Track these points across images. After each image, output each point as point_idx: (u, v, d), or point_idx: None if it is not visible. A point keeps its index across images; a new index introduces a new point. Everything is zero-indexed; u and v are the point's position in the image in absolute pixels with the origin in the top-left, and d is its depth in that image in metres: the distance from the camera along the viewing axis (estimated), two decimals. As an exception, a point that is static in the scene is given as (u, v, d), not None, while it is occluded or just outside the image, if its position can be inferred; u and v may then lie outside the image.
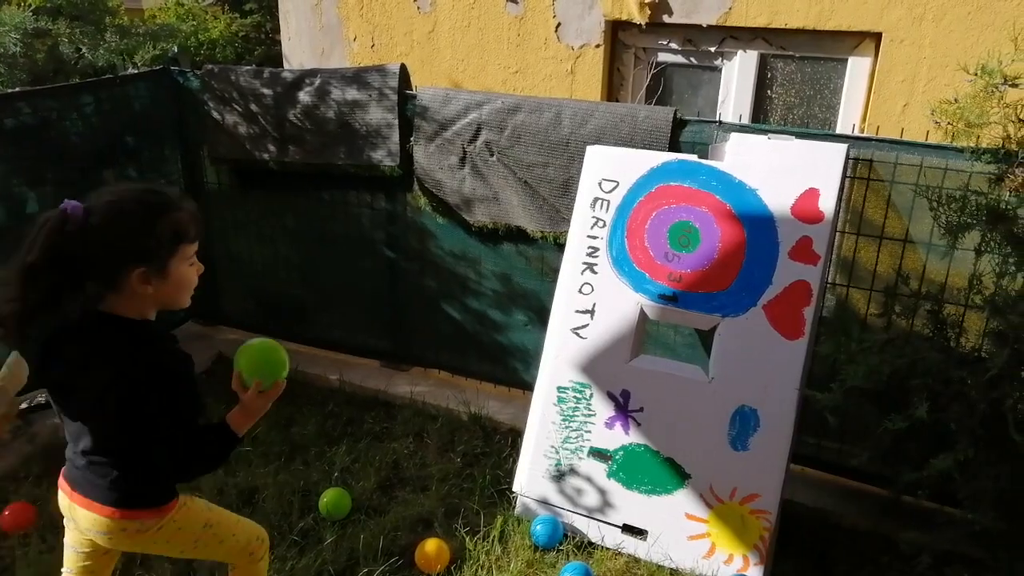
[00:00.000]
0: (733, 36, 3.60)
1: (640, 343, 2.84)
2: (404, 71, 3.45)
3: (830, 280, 2.91)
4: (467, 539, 2.79)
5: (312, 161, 3.67)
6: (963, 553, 2.58)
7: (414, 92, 3.45)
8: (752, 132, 2.83)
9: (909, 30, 3.19)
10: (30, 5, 4.13)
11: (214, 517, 1.96)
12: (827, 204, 2.60)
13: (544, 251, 3.39)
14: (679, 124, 3.00)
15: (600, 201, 2.88)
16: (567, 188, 3.17)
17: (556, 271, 3.00)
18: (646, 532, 2.74)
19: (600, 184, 2.89)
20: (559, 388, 2.85)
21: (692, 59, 3.76)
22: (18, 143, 3.40)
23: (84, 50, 4.25)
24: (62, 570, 1.98)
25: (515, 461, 3.05)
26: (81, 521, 1.83)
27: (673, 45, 3.75)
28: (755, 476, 2.61)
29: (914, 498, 2.69)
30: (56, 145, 3.54)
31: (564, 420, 2.84)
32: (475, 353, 3.74)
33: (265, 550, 2.08)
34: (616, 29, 3.81)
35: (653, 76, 3.82)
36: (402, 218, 3.68)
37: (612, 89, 3.91)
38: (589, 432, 2.81)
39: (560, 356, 2.86)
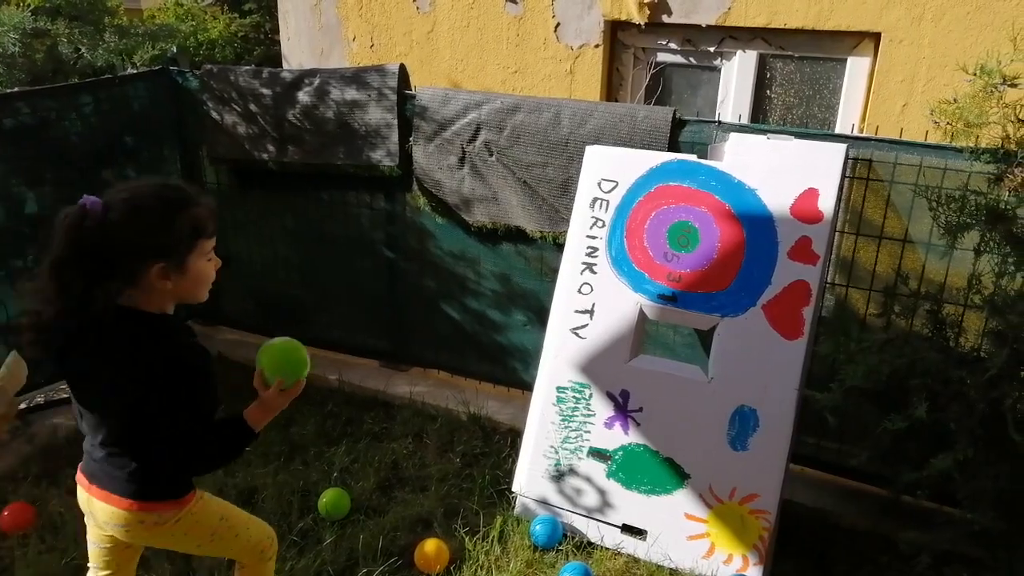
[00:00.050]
0: (732, 36, 3.60)
1: (639, 343, 2.84)
2: (403, 71, 3.45)
3: (829, 280, 2.91)
4: (466, 539, 2.79)
5: (311, 161, 3.67)
6: (962, 553, 2.58)
7: (413, 92, 3.45)
8: (751, 132, 2.83)
9: (908, 30, 3.19)
10: (29, 5, 4.13)
11: (228, 511, 1.98)
12: (826, 204, 2.60)
13: (543, 251, 3.39)
14: (678, 124, 3.00)
15: (599, 201, 2.88)
16: (566, 188, 3.17)
17: (555, 271, 3.00)
18: (645, 532, 2.74)
19: (599, 184, 2.89)
20: (558, 388, 2.85)
21: (691, 59, 3.76)
22: (17, 143, 3.40)
23: (83, 50, 4.25)
24: (89, 566, 2.01)
25: (514, 461, 3.05)
26: (99, 514, 1.85)
27: (672, 45, 3.75)
28: (754, 476, 2.61)
29: (913, 498, 2.69)
30: (55, 145, 3.54)
31: (563, 420, 2.84)
32: (474, 353, 3.74)
33: (274, 551, 2.09)
34: (615, 29, 3.81)
35: (652, 76, 3.82)
36: (401, 218, 3.68)
37: (611, 89, 3.91)
38: (588, 432, 2.80)
39: (559, 356, 2.86)
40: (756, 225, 2.66)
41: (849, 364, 2.64)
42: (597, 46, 3.76)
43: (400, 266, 3.77)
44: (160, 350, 1.68)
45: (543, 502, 2.89)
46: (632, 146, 2.99)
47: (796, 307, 2.60)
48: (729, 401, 2.63)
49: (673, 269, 2.74)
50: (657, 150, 2.95)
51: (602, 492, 2.80)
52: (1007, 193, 2.44)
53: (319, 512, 2.90)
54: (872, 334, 2.75)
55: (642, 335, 2.87)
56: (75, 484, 3.09)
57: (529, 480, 2.90)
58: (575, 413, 2.82)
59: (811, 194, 2.62)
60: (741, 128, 2.91)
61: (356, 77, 3.47)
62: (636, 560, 2.75)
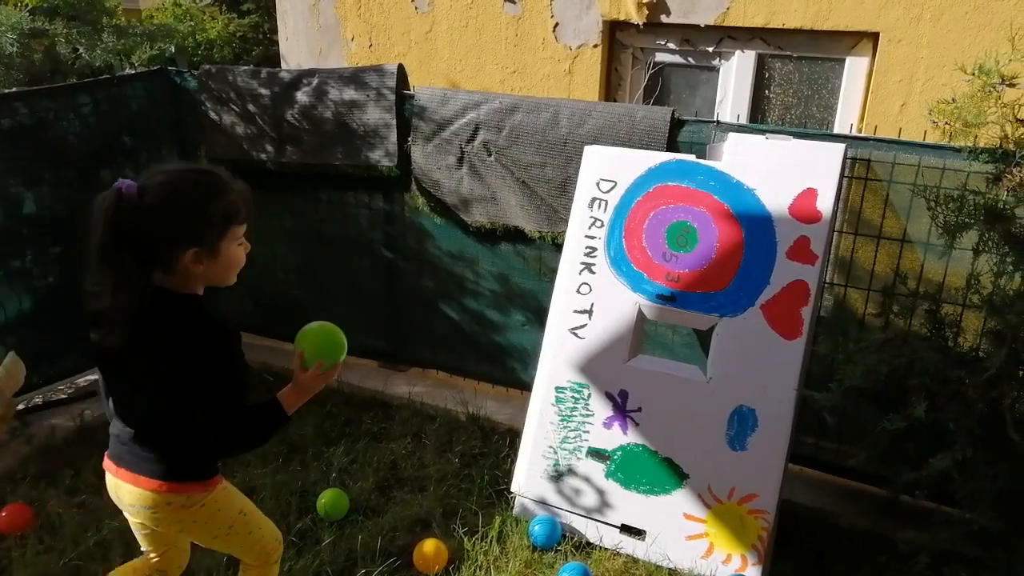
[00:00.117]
0: (731, 36, 3.60)
1: (638, 343, 2.84)
2: (402, 71, 3.45)
3: (828, 280, 2.91)
4: (465, 539, 2.79)
5: (310, 161, 3.66)
6: (961, 552, 2.58)
7: (412, 92, 3.45)
8: (750, 132, 2.83)
9: (907, 30, 3.19)
10: (27, 5, 4.12)
11: (248, 507, 2.00)
12: (825, 204, 2.60)
13: (542, 251, 3.39)
14: (677, 124, 3.00)
15: (598, 201, 2.88)
16: (565, 188, 3.17)
17: (554, 271, 3.00)
18: (644, 532, 2.74)
19: (598, 184, 2.89)
20: (557, 388, 2.85)
21: (690, 59, 3.76)
22: (15, 143, 3.39)
23: (81, 50, 4.24)
24: (143, 549, 2.04)
25: (513, 461, 3.05)
26: (125, 497, 1.85)
27: (671, 45, 3.74)
28: (753, 476, 2.61)
29: (912, 498, 2.69)
30: (53, 145, 3.53)
31: (562, 420, 2.84)
32: (473, 353, 3.74)
33: (280, 554, 2.10)
34: (614, 29, 3.81)
35: (651, 76, 3.82)
36: (400, 218, 3.68)
37: (610, 89, 3.91)
38: (587, 432, 2.80)
39: (558, 356, 2.86)
40: (755, 225, 2.66)
41: (848, 364, 2.65)
42: (596, 46, 3.76)
43: (399, 266, 3.77)
44: (194, 331, 1.71)
45: (542, 502, 2.89)
46: (631, 146, 2.99)
47: (795, 307, 2.60)
48: (728, 401, 2.63)
49: (672, 269, 2.74)
50: (656, 150, 2.95)
51: (601, 492, 2.79)
52: (1005, 193, 2.44)
53: (318, 512, 2.90)
54: (871, 334, 2.75)
55: (641, 335, 2.87)
56: (73, 485, 3.11)
57: (528, 480, 2.90)
58: (574, 413, 2.82)
59: (810, 194, 2.62)
60: (740, 128, 2.91)
61: (354, 77, 3.47)
62: (635, 560, 2.75)
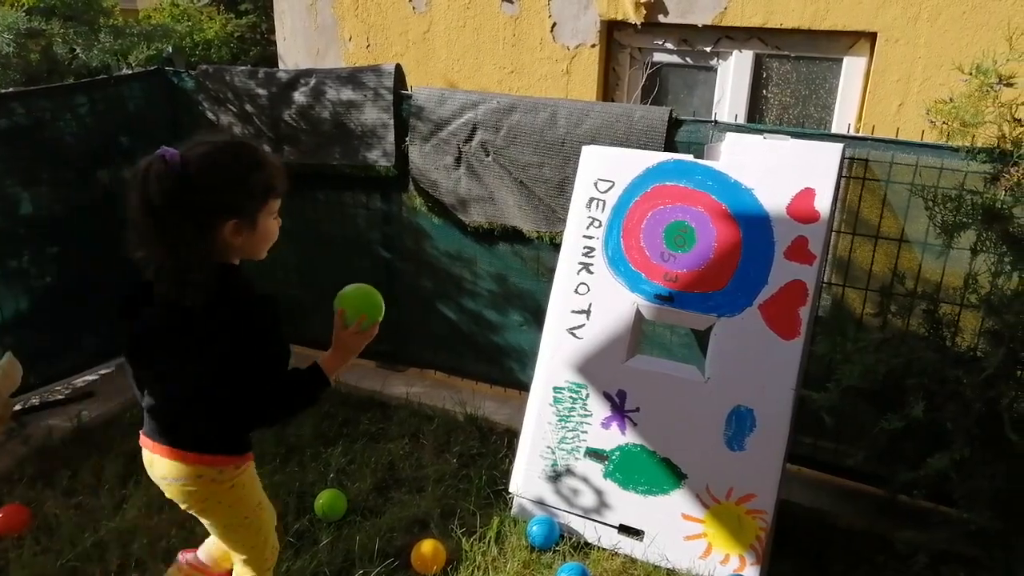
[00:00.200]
0: (728, 36, 3.60)
1: (636, 343, 2.84)
2: (399, 71, 3.44)
3: (826, 280, 2.91)
4: (463, 540, 2.79)
5: (307, 161, 3.66)
6: (959, 552, 2.58)
7: (409, 92, 3.44)
8: (748, 132, 2.83)
9: (904, 30, 3.19)
10: (23, 5, 4.12)
11: (265, 503, 2.03)
12: (823, 204, 2.60)
13: (540, 251, 3.38)
14: (675, 124, 3.00)
15: (596, 201, 2.87)
16: (563, 188, 3.17)
17: (552, 271, 2.99)
18: (642, 532, 2.74)
19: (596, 184, 2.89)
20: (555, 388, 2.85)
21: (688, 59, 3.76)
22: (12, 144, 3.39)
23: (78, 50, 4.24)
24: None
25: (511, 462, 3.04)
26: (158, 470, 1.88)
27: (669, 45, 3.74)
28: (751, 476, 2.61)
29: (910, 498, 2.69)
30: (50, 145, 3.53)
31: (560, 420, 2.84)
32: (471, 353, 3.74)
33: (273, 564, 2.11)
34: (612, 29, 3.81)
35: (649, 76, 3.82)
36: (398, 218, 3.68)
37: (608, 89, 3.91)
38: (585, 432, 2.80)
39: (556, 356, 2.85)
40: (753, 225, 2.66)
41: (846, 364, 2.64)
42: (593, 46, 3.76)
43: (396, 266, 3.77)
44: (237, 299, 1.73)
45: (540, 503, 2.88)
46: (628, 146, 2.99)
47: (793, 307, 2.60)
48: (726, 401, 2.63)
49: (670, 269, 2.74)
50: (653, 150, 2.95)
51: (599, 492, 2.79)
52: (1003, 192, 2.44)
53: (315, 513, 2.89)
54: (868, 334, 2.75)
55: (639, 335, 2.87)
56: (70, 486, 3.11)
57: (526, 480, 2.90)
58: (572, 413, 2.82)
59: (807, 194, 2.62)
60: (737, 128, 2.91)
61: (352, 77, 3.47)
62: (633, 560, 2.74)
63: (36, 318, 3.59)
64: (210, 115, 3.78)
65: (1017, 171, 2.39)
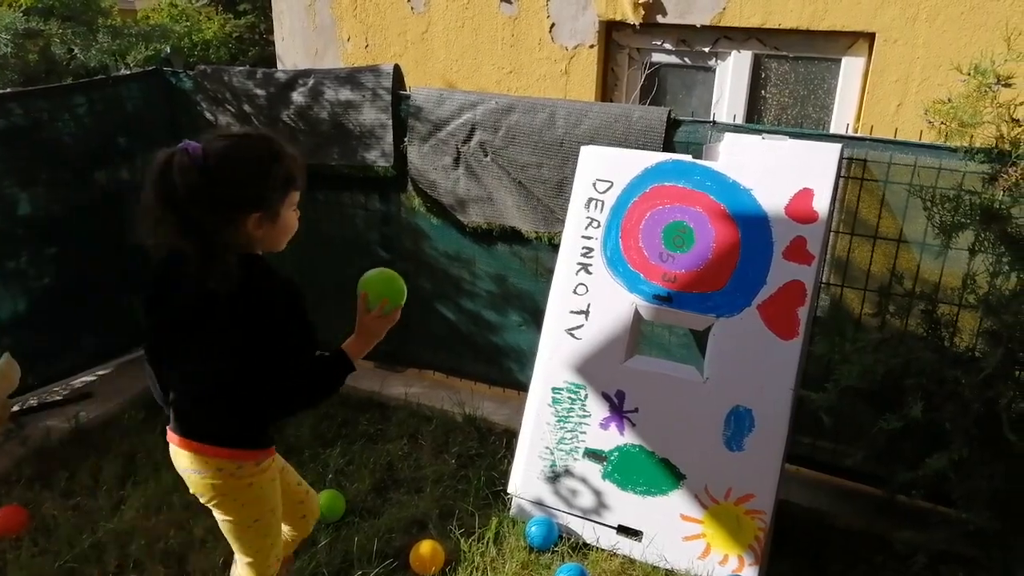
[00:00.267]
0: (727, 36, 3.60)
1: (635, 344, 2.84)
2: (398, 71, 3.44)
3: (824, 280, 2.91)
4: (462, 541, 2.79)
5: (306, 162, 3.64)
6: (958, 552, 2.58)
7: (408, 92, 3.44)
8: (746, 132, 2.83)
9: (903, 30, 3.19)
10: (21, 5, 4.11)
11: (279, 509, 2.03)
12: (821, 204, 2.60)
13: (539, 252, 3.38)
14: (673, 124, 3.00)
15: (594, 201, 2.87)
16: (561, 188, 3.17)
17: (551, 272, 2.99)
18: (641, 533, 2.74)
19: (594, 184, 2.89)
20: (554, 389, 2.85)
21: (686, 59, 3.76)
22: (10, 144, 3.39)
23: (76, 51, 4.23)
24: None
25: (510, 462, 3.04)
26: (181, 462, 1.89)
27: (667, 45, 3.75)
28: (750, 476, 2.60)
29: (909, 498, 2.69)
30: (48, 146, 3.53)
31: (559, 421, 2.84)
32: (470, 354, 3.73)
33: (276, 571, 2.11)
34: (610, 29, 3.81)
35: (647, 76, 3.82)
36: (396, 219, 3.67)
37: (606, 89, 3.91)
38: (584, 433, 2.80)
39: (555, 357, 2.85)
40: (751, 225, 2.66)
41: (844, 364, 2.64)
42: (592, 46, 3.76)
43: (395, 267, 3.70)
44: (259, 287, 1.73)
45: (539, 503, 2.88)
46: (627, 146, 2.99)
47: (791, 307, 2.60)
48: (724, 401, 2.63)
49: (668, 269, 2.74)
50: (652, 150, 2.95)
51: (598, 493, 2.79)
52: (1001, 193, 2.44)
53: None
54: (867, 334, 2.75)
55: (637, 335, 2.87)
56: (68, 487, 3.11)
57: (525, 481, 2.89)
58: (571, 414, 2.82)
59: (806, 194, 2.62)
60: (736, 128, 2.91)
61: (350, 77, 3.46)
62: (632, 561, 2.74)
63: (34, 319, 3.58)
64: (208, 116, 3.77)
65: (1015, 171, 2.39)
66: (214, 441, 1.85)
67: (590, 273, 2.84)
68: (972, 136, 2.42)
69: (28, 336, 3.54)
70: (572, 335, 2.83)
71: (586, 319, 2.82)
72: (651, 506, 2.72)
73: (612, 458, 2.77)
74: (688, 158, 2.80)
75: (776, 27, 3.40)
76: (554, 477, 2.85)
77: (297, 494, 2.20)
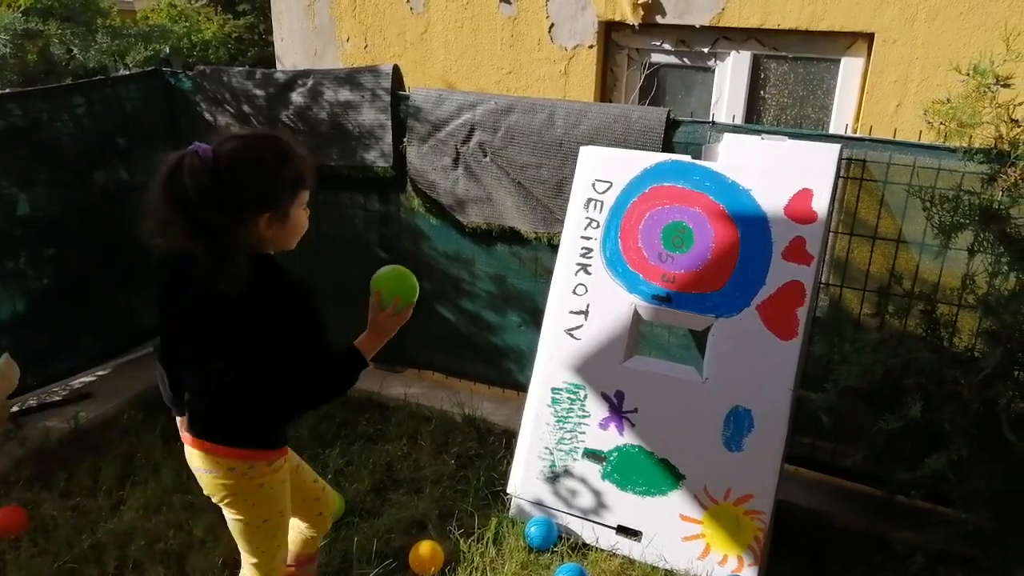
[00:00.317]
0: (726, 37, 3.61)
1: (634, 344, 2.84)
2: (397, 72, 3.44)
3: (823, 280, 2.91)
4: (461, 541, 2.79)
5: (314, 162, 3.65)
6: (957, 552, 2.58)
7: (407, 93, 3.44)
8: (745, 133, 2.83)
9: (902, 31, 3.19)
10: (20, 6, 4.11)
11: (287, 512, 2.04)
12: (820, 204, 2.60)
13: (538, 252, 3.38)
14: (672, 125, 3.00)
15: (593, 202, 2.87)
16: (560, 189, 3.17)
17: (550, 272, 2.99)
18: (640, 533, 2.74)
19: (593, 185, 2.89)
20: (553, 389, 2.85)
21: (685, 60, 3.76)
22: (9, 144, 3.38)
23: (75, 51, 4.23)
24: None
25: (509, 462, 3.04)
26: (193, 461, 1.91)
27: (666, 46, 3.75)
28: (749, 477, 2.61)
29: (908, 498, 2.69)
30: (47, 146, 3.52)
31: (558, 421, 2.84)
32: (469, 354, 3.73)
33: (280, 573, 2.11)
34: (609, 30, 3.81)
35: (646, 77, 3.82)
36: (395, 219, 3.67)
37: (605, 90, 3.91)
38: (583, 433, 2.80)
39: (554, 357, 2.85)
40: (750, 225, 2.66)
41: (843, 364, 2.65)
42: (591, 47, 3.76)
43: (394, 267, 3.76)
44: (271, 287, 1.75)
45: (538, 503, 2.88)
46: (626, 147, 2.99)
47: (790, 307, 2.60)
48: (724, 402, 2.63)
49: (667, 270, 2.74)
50: (651, 151, 2.95)
51: (597, 493, 2.79)
52: (1000, 193, 2.44)
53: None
54: (866, 334, 2.75)
55: (637, 336, 2.87)
56: (67, 487, 3.11)
57: (524, 481, 2.89)
58: (570, 414, 2.82)
59: (805, 194, 2.62)
60: (735, 129, 2.91)
61: (350, 78, 3.46)
62: (631, 561, 2.74)
63: (33, 319, 3.58)
64: (207, 116, 3.77)
65: (1014, 172, 2.39)
66: (226, 441, 1.86)
67: (589, 273, 2.84)
68: (971, 136, 2.42)
69: (27, 337, 3.54)
70: (571, 335, 2.83)
71: (585, 319, 2.82)
72: (650, 506, 2.72)
73: (611, 458, 2.77)
74: (687, 158, 2.80)
75: (775, 27, 3.40)
76: (553, 477, 2.85)
77: (313, 491, 2.22)
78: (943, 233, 2.56)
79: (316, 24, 4.36)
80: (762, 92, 3.69)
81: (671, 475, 2.69)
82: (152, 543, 2.74)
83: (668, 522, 2.70)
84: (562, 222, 3.01)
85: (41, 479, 3.08)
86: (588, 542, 2.81)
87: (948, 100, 2.45)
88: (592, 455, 2.79)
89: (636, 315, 2.77)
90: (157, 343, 1.98)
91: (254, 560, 2.04)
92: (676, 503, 2.69)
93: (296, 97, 3.56)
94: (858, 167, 2.79)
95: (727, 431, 2.63)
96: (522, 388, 3.26)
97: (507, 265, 3.49)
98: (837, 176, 2.66)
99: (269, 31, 6.65)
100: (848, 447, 2.84)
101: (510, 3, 3.83)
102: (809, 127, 3.61)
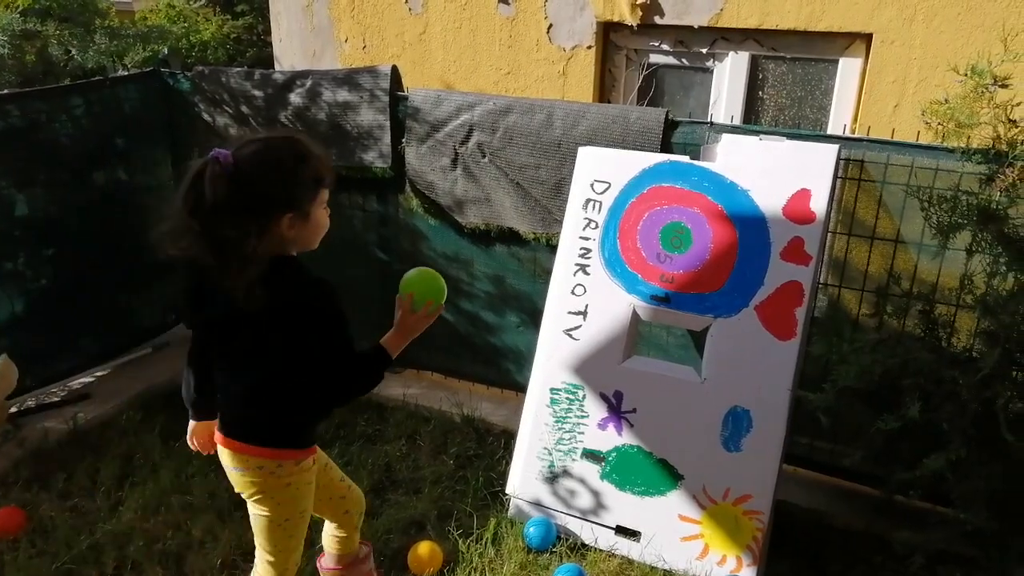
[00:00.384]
0: (724, 37, 3.61)
1: (633, 344, 2.84)
2: (395, 72, 3.44)
3: (822, 280, 2.91)
4: (460, 541, 2.79)
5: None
6: (956, 552, 2.59)
7: (405, 93, 3.44)
8: (744, 133, 2.83)
9: (900, 31, 3.20)
10: (18, 6, 4.11)
11: (308, 512, 2.05)
12: (818, 205, 2.61)
13: (536, 252, 3.38)
14: (671, 125, 3.00)
15: (592, 202, 2.88)
16: (559, 189, 3.17)
17: (549, 272, 2.99)
18: (639, 533, 2.74)
19: (592, 185, 2.89)
20: (552, 390, 2.85)
21: (683, 60, 3.76)
22: (7, 145, 3.38)
23: (74, 52, 4.23)
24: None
25: (508, 463, 3.04)
26: (224, 459, 1.93)
27: (665, 46, 3.75)
28: (748, 477, 2.61)
29: (906, 498, 2.69)
30: (46, 147, 3.52)
31: (557, 422, 2.84)
32: (468, 355, 3.73)
33: (293, 574, 2.12)
34: (608, 30, 3.81)
35: (645, 77, 3.82)
36: (394, 220, 3.67)
37: (604, 90, 3.92)
38: (582, 433, 2.80)
39: (553, 357, 2.85)
40: (749, 226, 2.66)
41: (842, 364, 2.65)
42: (589, 47, 3.76)
43: (393, 268, 3.76)
44: (297, 287, 1.78)
45: (537, 504, 2.88)
46: (625, 147, 2.99)
47: (789, 308, 2.60)
48: (722, 402, 2.63)
49: (666, 270, 2.74)
50: (650, 151, 2.95)
51: (596, 493, 2.79)
52: (998, 193, 2.44)
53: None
54: (865, 334, 2.75)
55: (635, 336, 2.87)
56: (66, 488, 3.11)
57: (523, 482, 2.90)
58: (568, 415, 2.82)
59: (803, 195, 2.63)
60: (733, 129, 2.91)
61: (348, 79, 3.46)
62: (630, 562, 2.74)
63: (32, 320, 3.58)
64: (206, 117, 3.77)
65: (1012, 172, 2.40)
66: (256, 441, 1.88)
67: (588, 274, 2.84)
68: (969, 137, 2.43)
69: (26, 337, 3.54)
70: (570, 336, 2.84)
71: (584, 320, 2.82)
72: (649, 506, 2.72)
73: (610, 459, 2.77)
74: (686, 159, 2.80)
75: (773, 28, 3.40)
76: (552, 478, 2.85)
77: (339, 489, 2.24)
78: (941, 233, 2.56)
79: (314, 25, 4.36)
80: (760, 92, 3.70)
81: (670, 475, 2.69)
82: (151, 544, 2.73)
83: (667, 522, 2.70)
84: (560, 223, 3.01)
85: (40, 480, 3.08)
86: (587, 542, 2.81)
87: (946, 100, 2.45)
88: (591, 455, 2.80)
89: (635, 315, 2.77)
90: (191, 346, 2.01)
91: (270, 558, 2.05)
92: (675, 503, 2.69)
93: (295, 98, 3.56)
94: (856, 167, 2.79)
95: (726, 431, 2.63)
96: (521, 388, 3.25)
97: (506, 265, 3.49)
98: (835, 176, 2.66)
99: (267, 32, 6.65)
100: (847, 447, 2.84)
101: (508, 4, 3.84)
102: (807, 127, 3.61)
